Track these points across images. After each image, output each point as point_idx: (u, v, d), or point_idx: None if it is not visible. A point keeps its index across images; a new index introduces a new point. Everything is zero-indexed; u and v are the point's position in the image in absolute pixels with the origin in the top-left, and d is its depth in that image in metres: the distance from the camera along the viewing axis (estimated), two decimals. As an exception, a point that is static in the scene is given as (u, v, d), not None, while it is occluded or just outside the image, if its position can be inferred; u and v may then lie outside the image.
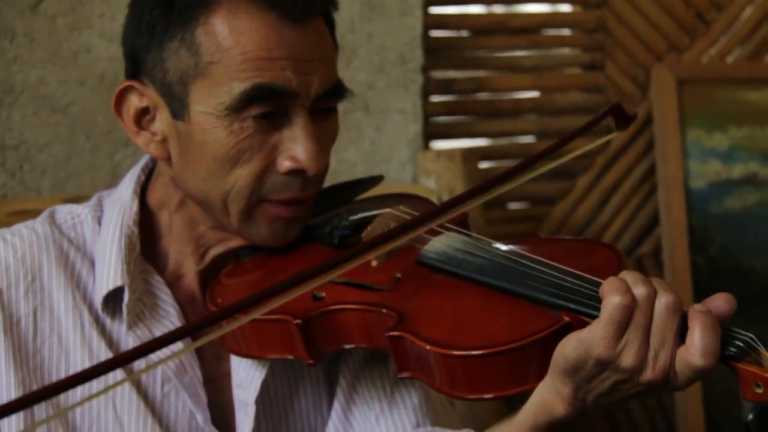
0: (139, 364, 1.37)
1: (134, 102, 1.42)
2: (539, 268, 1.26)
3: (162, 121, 1.41)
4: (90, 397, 1.12)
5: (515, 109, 2.80)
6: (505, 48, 2.78)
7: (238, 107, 1.34)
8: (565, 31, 2.83)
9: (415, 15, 2.56)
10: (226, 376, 1.46)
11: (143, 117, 1.43)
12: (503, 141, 2.80)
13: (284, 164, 1.37)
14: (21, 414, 1.34)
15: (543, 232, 2.79)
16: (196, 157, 1.38)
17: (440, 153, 2.49)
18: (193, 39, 1.35)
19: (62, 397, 1.35)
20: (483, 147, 2.77)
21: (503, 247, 1.34)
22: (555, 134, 2.81)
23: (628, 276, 1.18)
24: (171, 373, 1.39)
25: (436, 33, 2.69)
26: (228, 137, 1.35)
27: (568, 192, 2.81)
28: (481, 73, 2.76)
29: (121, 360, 1.03)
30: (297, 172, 1.38)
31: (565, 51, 2.85)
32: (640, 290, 1.15)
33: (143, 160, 1.55)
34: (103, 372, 0.98)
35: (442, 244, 1.36)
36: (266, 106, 1.35)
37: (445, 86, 2.71)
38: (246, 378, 1.42)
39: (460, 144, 2.71)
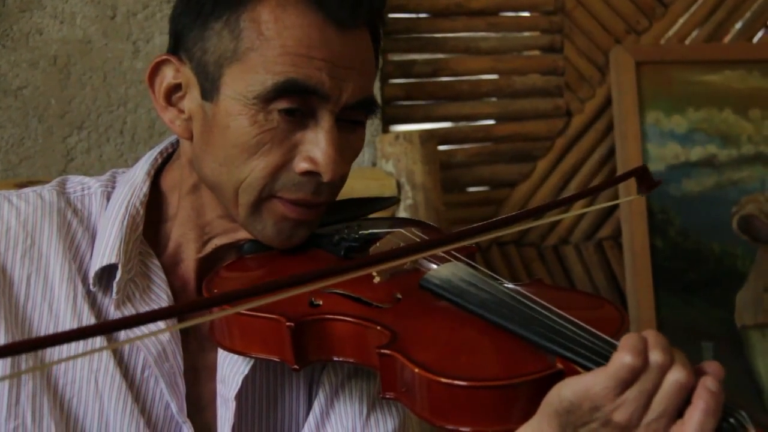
0: (127, 336, 1.38)
1: (168, 76, 1.41)
2: (541, 311, 1.24)
3: (191, 100, 1.40)
4: (70, 358, 1.11)
5: (474, 91, 2.79)
6: (463, 30, 2.77)
7: (267, 98, 1.33)
8: (524, 14, 2.83)
9: (373, -4, 2.54)
10: (208, 369, 1.45)
11: (174, 93, 1.42)
12: (463, 124, 2.79)
13: (301, 164, 1.36)
14: (4, 362, 1.35)
15: (502, 215, 2.79)
16: (216, 141, 1.37)
17: (399, 136, 2.47)
18: (237, 23, 1.34)
19: (47, 354, 1.36)
20: (442, 129, 2.76)
21: (508, 285, 1.34)
22: (515, 117, 2.81)
23: (651, 337, 1.15)
24: (151, 359, 1.39)
25: (394, 15, 2.67)
26: (251, 126, 1.34)
27: (528, 175, 2.81)
28: (439, 56, 2.75)
29: (107, 327, 1.01)
30: (312, 175, 1.37)
31: (524, 33, 2.84)
32: (656, 356, 1.12)
33: (163, 144, 1.54)
34: (87, 335, 0.97)
35: (448, 271, 1.35)
36: (294, 102, 1.34)
37: (403, 69, 2.70)
38: (229, 374, 1.41)
39: (419, 127, 2.70)
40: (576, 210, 1.36)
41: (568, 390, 1.13)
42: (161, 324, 1.34)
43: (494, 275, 1.37)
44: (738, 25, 2.95)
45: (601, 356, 1.14)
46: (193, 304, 1.12)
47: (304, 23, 1.33)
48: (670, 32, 2.90)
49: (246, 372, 1.40)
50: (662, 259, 2.76)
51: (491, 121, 2.82)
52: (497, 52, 2.79)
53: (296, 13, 1.33)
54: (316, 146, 1.35)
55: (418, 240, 1.45)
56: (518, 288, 1.33)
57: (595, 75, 2.84)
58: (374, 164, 2.53)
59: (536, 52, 2.85)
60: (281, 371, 1.46)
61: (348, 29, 1.36)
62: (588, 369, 1.14)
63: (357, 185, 2.30)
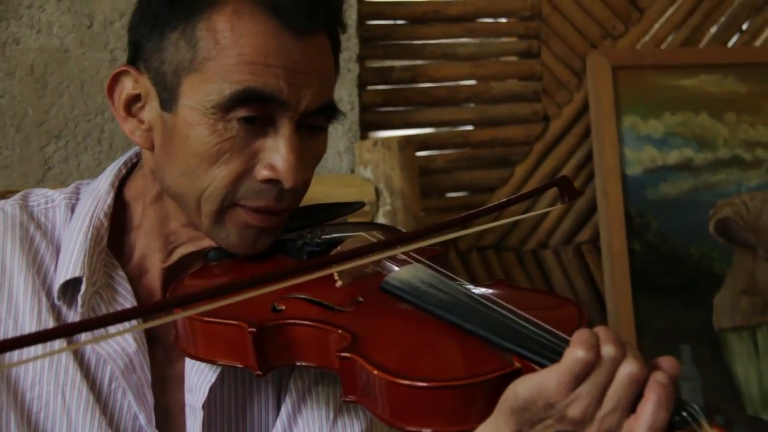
0: (88, 349, 1.39)
1: (127, 87, 1.41)
2: (498, 311, 1.26)
3: (151, 111, 1.40)
4: (29, 360, 1.11)
5: (452, 97, 2.79)
6: (441, 37, 2.78)
7: (226, 107, 1.33)
8: (501, 20, 2.84)
9: (350, 4, 2.55)
10: (176, 378, 1.45)
11: (134, 104, 1.42)
12: (441, 130, 2.80)
13: (262, 172, 1.36)
14: None
15: (482, 220, 2.79)
16: (177, 151, 1.37)
17: (377, 142, 2.48)
18: (193, 33, 1.34)
19: (6, 358, 1.35)
20: (421, 135, 2.76)
21: (468, 287, 1.35)
22: (493, 122, 2.82)
23: (602, 332, 1.16)
24: (118, 371, 1.38)
25: (371, 22, 2.68)
26: (211, 135, 1.34)
27: (506, 180, 2.82)
28: (417, 62, 2.76)
29: (67, 329, 1.01)
30: (273, 182, 1.37)
31: (502, 39, 2.85)
32: (608, 350, 1.13)
33: (127, 154, 1.54)
34: (48, 338, 0.96)
35: (408, 273, 1.36)
36: (253, 110, 1.34)
37: (381, 75, 2.70)
38: (196, 383, 1.41)
39: (398, 134, 2.70)
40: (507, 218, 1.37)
41: (522, 388, 1.13)
42: (127, 325, 1.32)
43: (455, 277, 1.37)
44: (713, 30, 2.97)
45: (557, 353, 1.15)
46: (157, 304, 1.12)
47: (261, 31, 1.33)
48: (646, 37, 2.91)
49: (213, 380, 1.40)
50: (640, 262, 2.77)
51: (469, 127, 2.82)
52: (475, 58, 2.80)
53: (252, 21, 1.33)
54: (276, 153, 1.35)
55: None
56: (478, 289, 1.34)
57: (572, 80, 2.85)
58: (353, 171, 2.53)
59: (513, 58, 2.86)
60: (249, 379, 1.46)
61: (305, 35, 1.35)
62: (544, 366, 1.15)
63: (335, 192, 2.30)
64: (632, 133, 2.81)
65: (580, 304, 1.35)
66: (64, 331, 0.99)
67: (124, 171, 1.51)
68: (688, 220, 2.83)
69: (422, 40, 2.76)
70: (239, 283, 1.08)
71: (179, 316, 1.27)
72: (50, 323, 1.40)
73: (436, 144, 2.79)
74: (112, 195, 1.47)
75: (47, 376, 1.38)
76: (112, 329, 1.26)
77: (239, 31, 1.33)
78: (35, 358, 1.14)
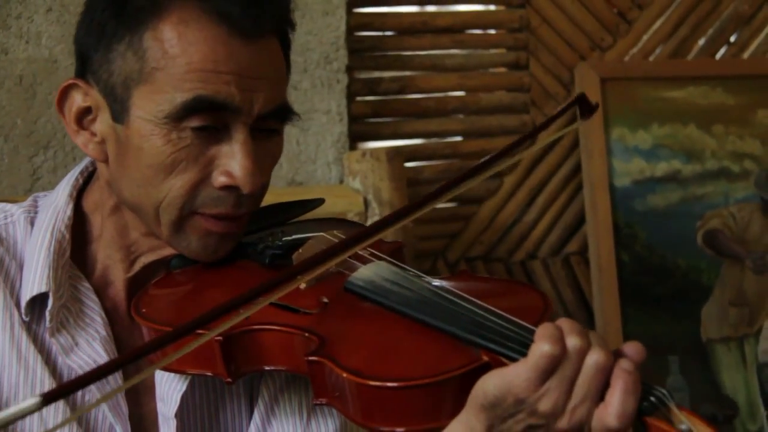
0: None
1: (77, 100, 1.40)
2: (464, 305, 1.25)
3: (103, 123, 1.39)
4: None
5: (441, 108, 2.80)
6: (430, 48, 2.78)
7: (178, 117, 1.32)
8: (490, 31, 2.84)
9: (339, 15, 2.55)
10: (148, 388, 1.44)
11: (85, 116, 1.40)
12: (430, 141, 2.80)
13: (219, 179, 1.35)
14: None
15: (471, 231, 2.80)
16: (131, 163, 1.36)
17: (366, 153, 2.48)
18: (140, 43, 1.33)
19: None
20: (409, 146, 2.76)
21: (432, 282, 1.34)
22: (481, 133, 2.82)
23: (565, 324, 1.16)
24: (93, 384, 1.37)
25: (360, 33, 2.68)
26: (164, 146, 1.33)
27: (495, 191, 2.82)
28: (406, 73, 2.76)
29: (61, 392, 0.99)
30: (231, 188, 1.36)
31: (490, 50, 2.85)
32: (573, 342, 1.14)
33: (83, 164, 1.52)
34: (52, 401, 0.95)
35: (371, 272, 1.35)
36: (206, 119, 1.33)
37: (370, 86, 2.71)
38: (167, 392, 1.40)
39: (387, 144, 2.70)
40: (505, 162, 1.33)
41: (490, 386, 1.14)
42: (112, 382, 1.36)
43: (419, 273, 1.37)
44: (701, 42, 2.98)
45: (524, 346, 1.16)
46: (134, 353, 1.09)
47: (208, 37, 1.32)
48: (635, 49, 2.92)
49: (184, 389, 1.39)
50: (629, 273, 2.78)
51: (458, 138, 2.83)
52: (463, 69, 2.80)
53: (199, 28, 1.32)
54: (232, 159, 1.34)
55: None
56: (443, 284, 1.34)
57: (561, 91, 2.86)
58: (341, 181, 2.53)
59: (502, 69, 2.86)
60: (220, 385, 1.45)
61: (253, 39, 1.34)
62: (512, 359, 1.16)
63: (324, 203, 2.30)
64: (620, 144, 2.82)
65: (543, 292, 1.35)
66: (60, 393, 0.98)
67: (81, 181, 1.50)
68: (676, 231, 2.83)
69: (411, 51, 2.76)
70: (209, 315, 1.07)
71: (161, 364, 1.26)
72: (23, 338, 1.39)
73: (425, 155, 2.79)
74: (71, 206, 1.46)
75: (23, 391, 1.37)
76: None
77: (186, 39, 1.31)
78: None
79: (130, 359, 1.07)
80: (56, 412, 1.37)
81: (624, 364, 1.14)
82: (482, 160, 1.32)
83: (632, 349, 1.17)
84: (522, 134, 2.82)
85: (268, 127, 1.40)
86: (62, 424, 1.34)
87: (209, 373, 1.32)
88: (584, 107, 1.41)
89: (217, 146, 1.35)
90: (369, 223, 2.41)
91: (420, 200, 1.26)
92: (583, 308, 2.85)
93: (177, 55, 1.31)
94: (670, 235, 2.82)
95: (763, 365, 2.83)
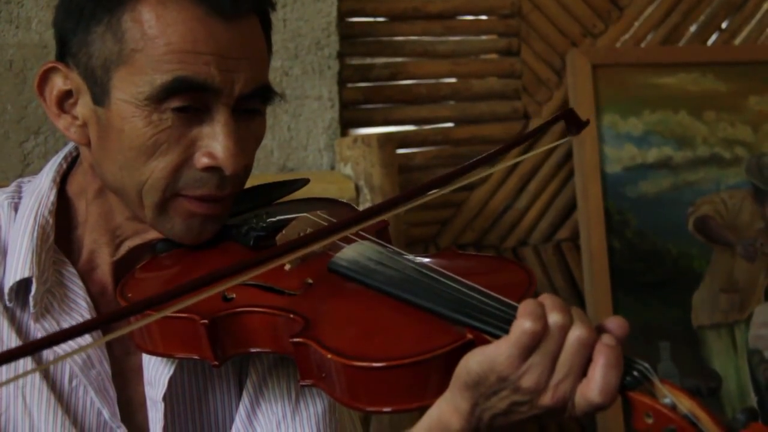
0: (48, 354, 1.35)
1: (58, 84, 1.39)
2: (448, 283, 1.25)
3: (84, 106, 1.38)
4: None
5: (433, 95, 2.80)
6: (421, 34, 2.78)
7: (158, 98, 1.31)
8: (481, 17, 2.84)
9: (330, 1, 2.54)
10: (135, 371, 1.44)
11: (66, 100, 1.39)
12: (421, 127, 2.80)
13: (201, 160, 1.34)
14: None
15: (462, 218, 2.80)
16: (113, 145, 1.35)
17: (357, 139, 2.48)
18: (119, 25, 1.32)
19: None
20: (401, 133, 2.76)
21: (416, 260, 1.34)
22: (473, 120, 2.82)
23: (547, 300, 1.16)
24: (77, 368, 1.37)
25: (351, 19, 2.67)
26: (146, 128, 1.32)
27: (486, 178, 2.82)
28: (397, 59, 2.76)
29: (29, 349, 1.00)
30: (214, 170, 1.35)
31: (482, 37, 2.85)
32: (555, 318, 1.14)
33: (66, 148, 1.51)
34: (9, 359, 0.96)
35: (354, 252, 1.35)
36: (186, 99, 1.32)
37: (361, 73, 2.70)
38: (155, 375, 1.40)
39: (378, 131, 2.70)
40: (506, 161, 1.32)
41: (474, 363, 1.14)
42: (88, 337, 1.33)
43: (402, 252, 1.36)
44: (692, 29, 2.98)
45: (507, 322, 1.16)
46: (113, 314, 1.10)
47: (187, 18, 1.31)
48: (626, 35, 2.92)
49: (171, 372, 1.38)
50: (619, 260, 2.78)
51: (450, 124, 2.83)
52: (455, 56, 2.80)
53: (178, 9, 1.31)
54: (214, 140, 1.34)
55: (323, 224, 1.44)
56: (427, 262, 1.33)
57: (552, 78, 2.86)
58: (333, 168, 2.53)
59: (494, 56, 2.86)
60: (209, 368, 1.45)
61: (233, 19, 1.33)
62: (495, 336, 1.16)
63: (315, 188, 2.28)
64: (612, 131, 2.82)
65: (528, 267, 1.34)
66: (27, 349, 0.98)
67: (65, 166, 1.49)
68: (667, 218, 2.84)
69: (402, 37, 2.76)
70: (191, 284, 1.07)
71: (138, 324, 1.26)
72: (5, 326, 1.38)
73: (416, 141, 2.79)
74: (55, 191, 1.45)
75: (5, 377, 1.35)
76: (72, 343, 1.25)
77: (165, 20, 1.30)
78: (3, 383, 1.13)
79: (105, 320, 1.08)
80: (33, 381, 1.37)
81: (606, 339, 1.14)
82: (467, 163, 1.31)
83: (615, 323, 1.17)
84: (513, 120, 2.84)
85: (250, 107, 1.39)
86: (26, 373, 1.33)
87: (196, 357, 1.32)
88: (572, 122, 1.40)
89: (199, 127, 1.34)
90: (360, 209, 2.41)
91: (406, 193, 1.27)
92: (574, 294, 2.86)
93: (156, 36, 1.30)
94: (661, 221, 2.83)
95: (754, 351, 2.84)
